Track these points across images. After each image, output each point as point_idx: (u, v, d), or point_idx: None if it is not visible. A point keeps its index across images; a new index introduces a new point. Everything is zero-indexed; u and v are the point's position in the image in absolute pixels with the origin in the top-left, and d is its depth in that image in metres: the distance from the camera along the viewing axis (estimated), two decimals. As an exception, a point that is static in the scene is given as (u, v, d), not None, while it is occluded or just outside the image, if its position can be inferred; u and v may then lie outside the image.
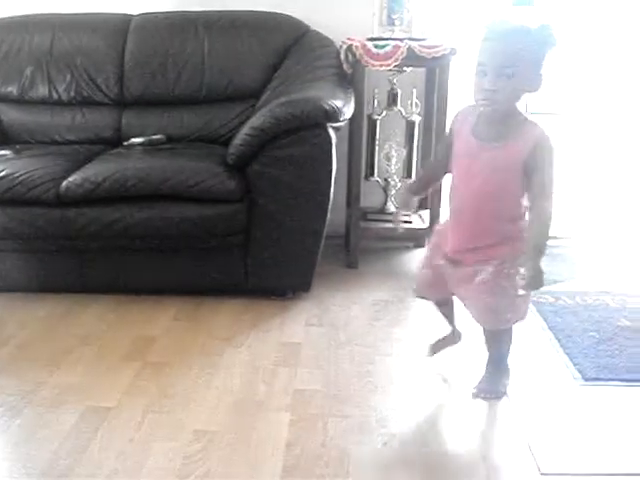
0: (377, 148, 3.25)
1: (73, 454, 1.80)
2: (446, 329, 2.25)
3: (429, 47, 2.91)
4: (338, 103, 2.62)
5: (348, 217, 3.22)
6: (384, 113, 3.21)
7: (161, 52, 3.24)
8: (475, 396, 2.06)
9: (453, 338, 2.26)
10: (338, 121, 2.63)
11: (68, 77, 3.29)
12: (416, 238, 3.37)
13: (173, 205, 2.61)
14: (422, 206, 3.32)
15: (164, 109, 3.26)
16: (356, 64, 2.97)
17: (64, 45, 3.30)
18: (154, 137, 3.11)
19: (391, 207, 3.26)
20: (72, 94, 3.30)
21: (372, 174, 3.27)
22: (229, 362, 2.28)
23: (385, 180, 3.28)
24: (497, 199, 1.88)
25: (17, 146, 3.11)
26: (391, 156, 3.23)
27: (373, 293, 2.85)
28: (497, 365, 2.08)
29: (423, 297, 2.24)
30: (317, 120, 2.53)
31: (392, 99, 3.21)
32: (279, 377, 2.18)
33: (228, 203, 2.59)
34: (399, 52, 2.90)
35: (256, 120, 2.60)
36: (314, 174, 2.59)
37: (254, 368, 2.24)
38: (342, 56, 3.05)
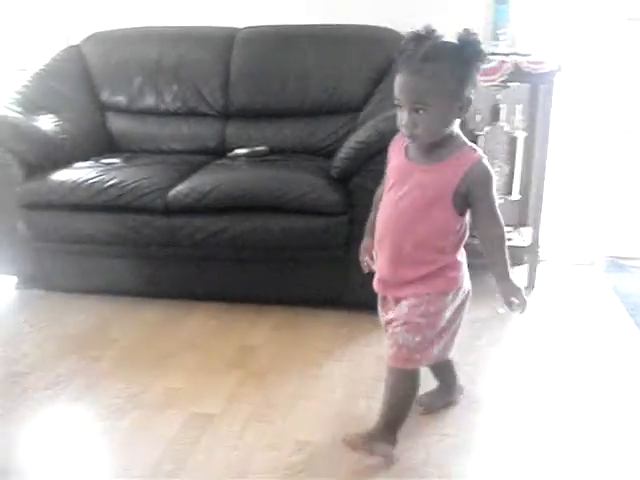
0: (479, 164, 3.20)
1: (176, 459, 1.85)
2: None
3: (535, 63, 2.86)
4: (442, 118, 2.60)
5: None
6: (487, 128, 3.17)
7: (266, 64, 3.30)
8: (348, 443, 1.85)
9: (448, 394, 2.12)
10: (442, 136, 2.61)
11: (175, 88, 3.39)
12: (514, 256, 3.29)
13: (277, 216, 2.65)
14: (523, 223, 3.28)
15: (267, 121, 3.32)
16: (460, 79, 2.94)
17: (171, 57, 3.41)
18: (257, 148, 3.17)
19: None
20: (178, 105, 3.40)
21: (473, 189, 3.22)
22: (329, 374, 2.29)
23: (486, 195, 3.23)
24: (421, 224, 1.73)
25: (126, 154, 3.22)
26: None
27: (472, 311, 2.80)
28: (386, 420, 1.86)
29: None
30: (421, 135, 2.52)
31: (495, 114, 3.17)
32: (379, 392, 2.16)
33: (331, 216, 2.61)
34: (505, 67, 2.86)
35: (361, 134, 2.62)
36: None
37: (354, 382, 2.24)
38: (446, 71, 3.02)
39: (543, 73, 2.87)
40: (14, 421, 2.07)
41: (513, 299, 1.74)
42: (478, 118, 3.15)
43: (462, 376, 2.27)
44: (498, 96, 3.12)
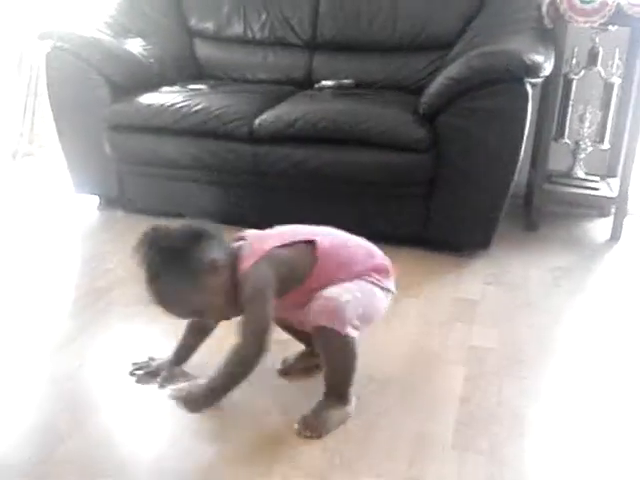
0: (570, 109, 3.10)
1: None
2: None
3: (639, 6, 2.73)
4: (538, 58, 2.52)
5: (532, 178, 3.12)
6: (582, 73, 3.05)
7: (356, -4, 3.23)
8: None
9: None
10: (537, 77, 2.54)
11: (263, 16, 3.36)
12: (601, 207, 3.23)
13: (361, 150, 2.63)
14: (612, 173, 3.18)
15: (355, 54, 3.27)
16: (558, 19, 2.83)
17: (260, -17, 3.36)
18: (344, 81, 3.13)
19: (579, 171, 3.12)
20: (266, 34, 3.37)
21: (562, 135, 3.12)
22: (404, 311, 2.27)
23: (575, 143, 3.13)
24: None
25: (212, 81, 3.22)
26: (585, 118, 3.07)
27: (553, 258, 2.76)
28: None
29: None
30: (516, 74, 2.45)
31: (592, 59, 3.03)
32: (454, 332, 2.16)
33: (415, 152, 2.57)
34: (607, 9, 2.73)
35: (452, 70, 2.55)
36: (506, 130, 2.51)
37: (429, 320, 2.23)
38: (544, 9, 2.91)
39: (646, 17, 2.73)
40: (97, 334, 2.14)
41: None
42: (574, 62, 3.04)
43: (539, 322, 2.24)
44: (596, 39, 2.99)
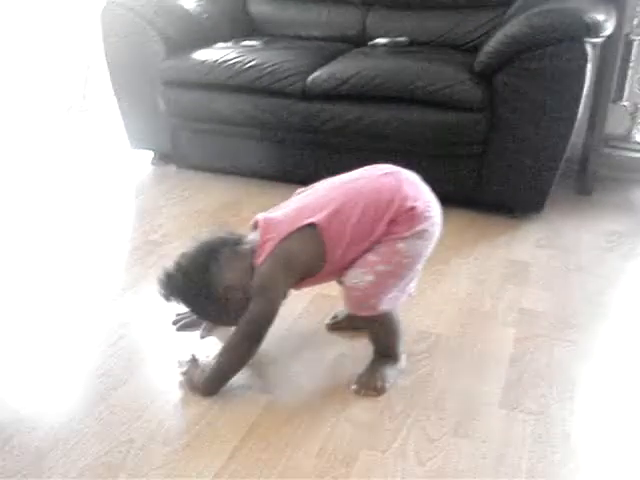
0: (630, 71, 3.02)
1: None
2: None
3: None
4: (599, 18, 2.44)
5: (587, 141, 3.06)
6: (644, 33, 2.96)
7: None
8: None
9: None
10: (598, 37, 2.46)
11: (318, -28, 3.32)
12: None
13: (414, 108, 2.60)
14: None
15: (410, 11, 3.22)
16: (621, -23, 2.75)
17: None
18: (398, 39, 3.09)
19: (637, 135, 3.05)
20: (320, -10, 3.33)
21: (620, 98, 3.05)
22: (455, 271, 2.27)
23: (634, 106, 3.05)
24: None
25: (265, 38, 3.21)
26: (645, 80, 3.00)
27: (607, 223, 2.71)
28: None
29: None
30: (576, 33, 2.38)
31: (655, 18, 2.94)
32: (506, 293, 2.15)
33: (470, 111, 2.53)
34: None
35: (510, 28, 2.49)
36: (564, 90, 2.45)
37: (480, 281, 2.22)
38: (606, -33, 2.82)
39: None
40: (149, 285, 2.17)
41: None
42: (635, 22, 2.95)
43: (592, 286, 2.22)
44: (661, -3, 2.90)
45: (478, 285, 2.19)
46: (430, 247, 1.65)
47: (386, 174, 1.67)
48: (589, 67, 2.44)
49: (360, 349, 1.77)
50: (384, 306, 1.60)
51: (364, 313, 1.61)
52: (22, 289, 2.15)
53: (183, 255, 1.66)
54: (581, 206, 2.88)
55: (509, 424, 1.56)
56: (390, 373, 1.70)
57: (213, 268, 1.62)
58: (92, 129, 3.93)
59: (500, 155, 2.58)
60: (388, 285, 1.59)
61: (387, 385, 1.67)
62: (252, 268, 1.61)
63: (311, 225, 1.58)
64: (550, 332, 1.94)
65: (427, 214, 1.60)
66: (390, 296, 1.60)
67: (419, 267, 1.66)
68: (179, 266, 1.64)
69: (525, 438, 1.52)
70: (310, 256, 1.60)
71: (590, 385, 1.73)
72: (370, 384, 1.66)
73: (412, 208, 1.57)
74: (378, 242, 1.58)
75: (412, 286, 1.73)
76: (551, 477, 1.41)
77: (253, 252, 1.62)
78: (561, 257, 2.41)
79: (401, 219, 1.57)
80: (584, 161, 3.08)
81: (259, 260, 1.60)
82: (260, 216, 1.68)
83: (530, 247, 2.48)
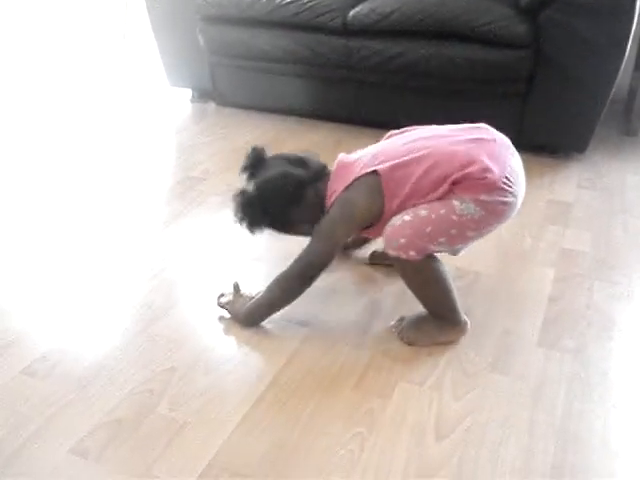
0: (683, 8, 2.91)
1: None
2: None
3: None
4: (652, -50, 2.35)
5: (634, 82, 2.97)
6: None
7: None
8: None
9: None
10: (649, -29, 2.37)
11: None
12: None
13: (457, 45, 2.54)
14: None
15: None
16: None
17: None
18: (442, -26, 3.00)
19: (687, 75, 2.96)
20: None
21: (671, 37, 2.95)
22: (495, 211, 2.25)
23: (684, 45, 2.96)
24: None
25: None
26: (698, 18, 2.88)
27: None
28: None
29: None
30: (627, -33, 2.30)
31: None
32: (547, 233, 2.13)
33: (515, 48, 2.47)
34: None
35: (558, -38, 2.41)
36: (613, 27, 2.37)
37: (521, 221, 2.19)
38: None
39: None
40: (189, 221, 2.20)
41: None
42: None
43: (634, 228, 2.18)
44: None
45: (519, 225, 2.17)
46: (493, 224, 1.56)
47: (475, 140, 1.58)
48: (639, 4, 2.36)
49: (407, 291, 1.76)
50: (414, 252, 1.51)
51: (393, 252, 1.54)
52: (66, 224, 2.19)
53: (267, 182, 1.65)
54: (626, 147, 2.82)
55: (546, 362, 1.56)
56: (429, 332, 1.64)
57: (293, 205, 1.64)
58: (131, 67, 3.93)
59: (544, 94, 2.52)
60: (425, 232, 1.49)
61: (420, 341, 1.63)
62: (322, 210, 1.63)
63: (375, 172, 1.57)
64: (590, 273, 1.93)
65: (500, 188, 1.50)
66: (424, 246, 1.51)
67: (471, 236, 1.56)
68: (261, 196, 1.65)
69: (562, 376, 1.52)
70: (369, 203, 1.58)
71: (629, 326, 1.71)
72: (403, 332, 1.65)
73: (484, 178, 1.48)
74: (439, 199, 1.53)
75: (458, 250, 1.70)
76: (587, 415, 1.41)
77: (325, 195, 1.65)
78: (604, 198, 2.37)
79: (468, 183, 1.49)
80: (630, 102, 3.00)
81: (327, 203, 1.62)
82: (340, 156, 1.69)
83: (573, 188, 2.44)
